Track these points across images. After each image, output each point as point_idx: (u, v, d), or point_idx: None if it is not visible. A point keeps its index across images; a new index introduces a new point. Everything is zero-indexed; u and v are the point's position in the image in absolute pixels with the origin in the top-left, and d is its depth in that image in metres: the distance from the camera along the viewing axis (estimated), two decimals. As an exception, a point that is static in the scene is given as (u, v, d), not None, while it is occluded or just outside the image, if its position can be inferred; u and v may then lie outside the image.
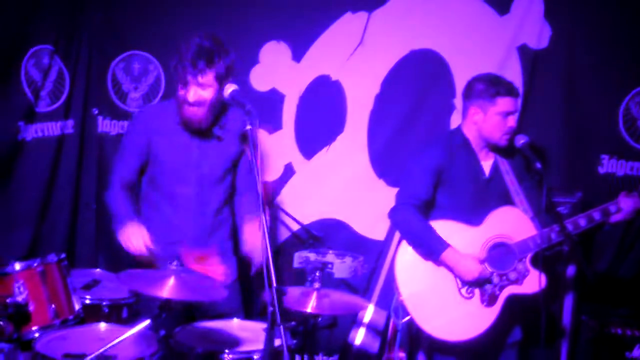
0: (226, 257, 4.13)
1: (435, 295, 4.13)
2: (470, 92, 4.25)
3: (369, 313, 4.85)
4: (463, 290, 4.13)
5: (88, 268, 4.72)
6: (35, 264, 3.72)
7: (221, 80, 3.83)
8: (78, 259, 5.13)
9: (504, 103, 4.15)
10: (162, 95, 5.14)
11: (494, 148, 4.25)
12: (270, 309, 3.08)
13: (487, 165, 4.27)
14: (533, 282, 4.05)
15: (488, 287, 4.11)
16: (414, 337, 4.25)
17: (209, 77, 3.82)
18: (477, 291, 4.12)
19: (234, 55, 3.89)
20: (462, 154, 4.23)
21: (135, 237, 3.79)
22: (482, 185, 4.24)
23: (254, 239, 3.94)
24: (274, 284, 3.09)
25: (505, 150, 4.25)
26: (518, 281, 4.11)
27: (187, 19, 5.01)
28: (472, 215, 4.17)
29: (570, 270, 4.43)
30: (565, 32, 4.83)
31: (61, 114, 5.08)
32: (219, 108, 3.98)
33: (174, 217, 4.02)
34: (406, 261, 4.17)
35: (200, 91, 3.84)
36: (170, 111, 4.00)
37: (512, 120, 4.17)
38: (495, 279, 4.11)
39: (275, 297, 3.07)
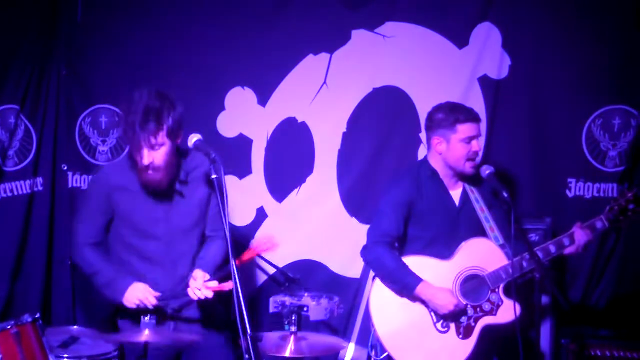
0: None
1: (412, 331, 4.13)
2: (431, 123, 4.28)
3: (350, 352, 4.82)
4: (438, 325, 4.14)
5: (65, 325, 4.67)
6: (9, 326, 3.63)
7: (173, 136, 3.80)
8: (54, 317, 5.08)
9: (464, 129, 4.18)
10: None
11: (462, 177, 4.28)
12: (246, 356, 3.09)
13: (456, 194, 4.30)
14: (507, 312, 4.07)
15: (463, 319, 4.12)
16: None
17: (160, 137, 3.76)
18: (452, 324, 4.13)
19: (181, 108, 3.83)
20: (430, 185, 4.25)
21: (142, 295, 3.82)
22: (453, 215, 4.26)
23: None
24: (249, 331, 3.09)
25: (472, 178, 4.26)
26: (492, 311, 4.13)
27: (151, 68, 5.04)
28: (445, 245, 4.19)
29: (545, 297, 4.46)
30: (525, 61, 4.90)
31: (30, 171, 5.05)
32: (177, 161, 3.93)
33: (146, 272, 3.95)
34: (381, 299, 4.17)
35: (153, 153, 3.79)
36: (129, 167, 3.96)
37: (475, 145, 4.19)
38: (470, 311, 4.13)
39: (250, 344, 3.07)
